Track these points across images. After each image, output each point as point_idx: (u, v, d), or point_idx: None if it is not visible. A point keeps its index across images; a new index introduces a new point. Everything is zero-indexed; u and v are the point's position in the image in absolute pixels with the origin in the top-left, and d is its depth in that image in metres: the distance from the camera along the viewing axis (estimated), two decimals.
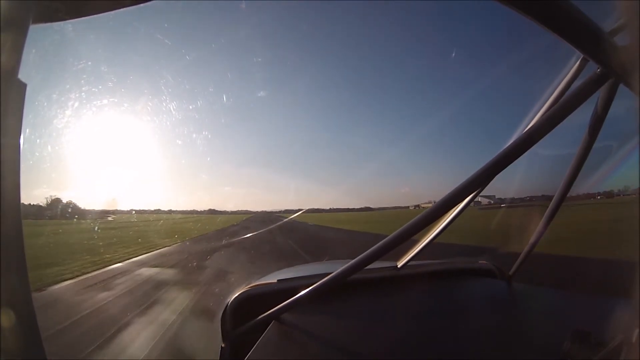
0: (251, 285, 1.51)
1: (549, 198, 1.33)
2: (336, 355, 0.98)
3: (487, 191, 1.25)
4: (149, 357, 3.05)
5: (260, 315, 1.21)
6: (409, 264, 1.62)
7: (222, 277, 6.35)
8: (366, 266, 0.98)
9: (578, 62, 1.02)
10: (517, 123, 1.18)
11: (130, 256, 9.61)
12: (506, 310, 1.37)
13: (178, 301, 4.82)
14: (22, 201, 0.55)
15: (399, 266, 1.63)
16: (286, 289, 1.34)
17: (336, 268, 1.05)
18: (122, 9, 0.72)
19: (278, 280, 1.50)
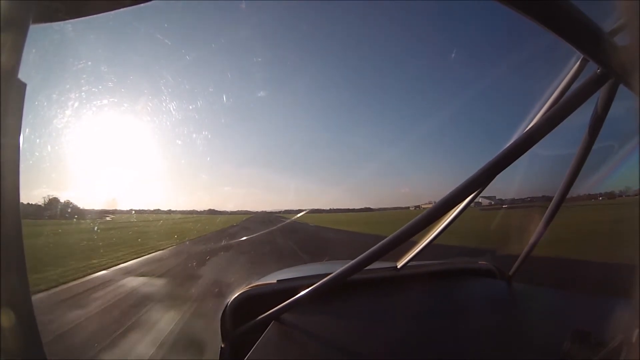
0: (251, 285, 1.51)
1: (549, 199, 1.33)
2: (336, 355, 0.98)
3: (487, 192, 1.26)
4: None
5: (260, 315, 1.21)
6: (408, 264, 1.62)
7: (217, 291, 5.46)
8: (366, 266, 0.98)
9: (578, 63, 1.02)
10: (517, 123, 1.18)
11: (119, 261, 8.86)
12: (506, 310, 1.37)
13: (161, 325, 3.90)
14: (21, 201, 0.56)
15: (398, 267, 1.63)
16: (286, 289, 1.34)
17: (336, 268, 1.05)
18: (122, 9, 0.73)
19: (278, 280, 1.50)
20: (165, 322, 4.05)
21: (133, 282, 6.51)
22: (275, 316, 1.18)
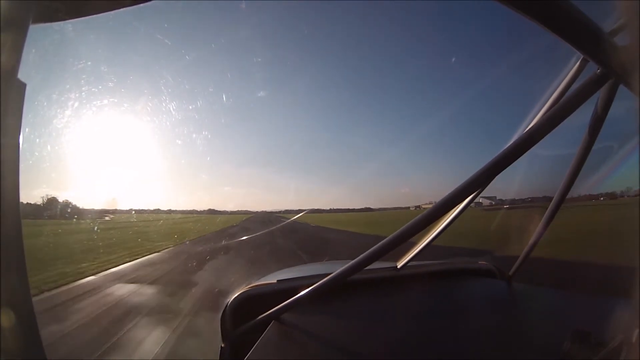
0: (251, 285, 1.51)
1: (550, 199, 1.33)
2: (336, 355, 0.98)
3: (487, 192, 1.25)
4: None
5: (260, 315, 1.21)
6: (408, 264, 1.62)
7: (213, 300, 4.76)
8: (366, 267, 0.98)
9: (578, 63, 1.02)
10: (517, 123, 1.18)
11: (111, 265, 8.26)
12: (506, 310, 1.37)
13: (146, 346, 3.24)
14: (21, 201, 0.56)
15: (398, 267, 1.63)
16: (286, 289, 1.34)
17: (336, 268, 1.05)
18: (122, 9, 0.73)
19: (278, 280, 1.50)
20: (153, 340, 3.38)
21: (122, 290, 6.06)
22: (275, 316, 1.18)
